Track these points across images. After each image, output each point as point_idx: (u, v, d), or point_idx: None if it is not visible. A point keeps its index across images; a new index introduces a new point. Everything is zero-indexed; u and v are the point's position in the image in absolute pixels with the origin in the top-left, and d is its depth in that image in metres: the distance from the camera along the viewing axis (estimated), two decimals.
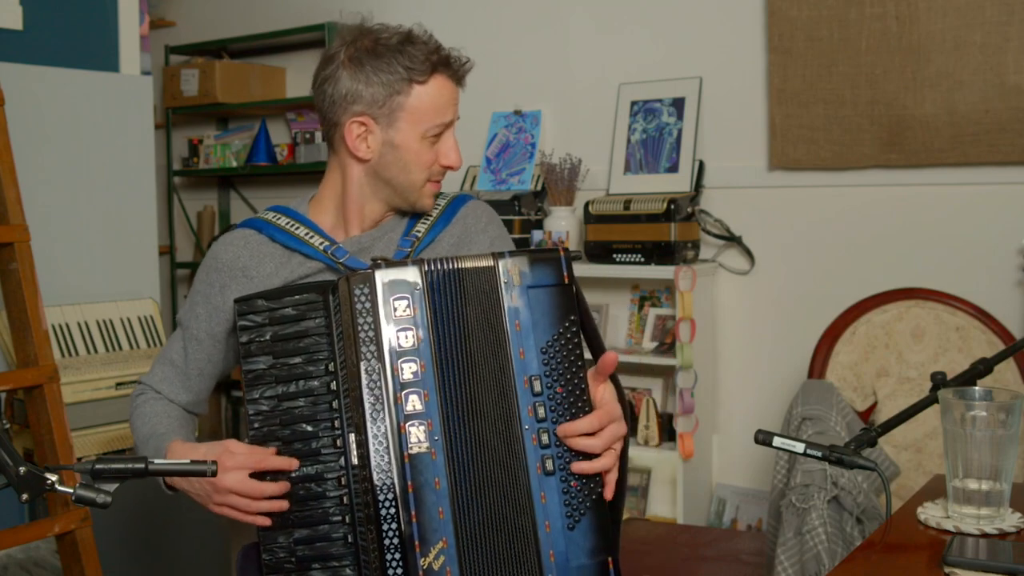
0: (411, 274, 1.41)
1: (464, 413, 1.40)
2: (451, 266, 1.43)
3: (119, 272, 2.84)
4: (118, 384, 2.59)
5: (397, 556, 1.35)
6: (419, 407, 1.37)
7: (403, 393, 1.37)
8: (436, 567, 1.35)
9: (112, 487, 1.27)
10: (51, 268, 2.58)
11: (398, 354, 1.38)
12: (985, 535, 1.37)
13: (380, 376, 1.38)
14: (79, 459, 2.40)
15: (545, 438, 1.39)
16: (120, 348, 2.74)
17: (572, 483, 1.39)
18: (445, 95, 1.58)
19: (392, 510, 1.35)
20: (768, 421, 3.08)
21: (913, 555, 1.36)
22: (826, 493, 2.21)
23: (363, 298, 1.39)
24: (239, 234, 1.65)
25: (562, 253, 1.44)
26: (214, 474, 1.30)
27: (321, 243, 1.60)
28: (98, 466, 1.26)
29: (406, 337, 1.39)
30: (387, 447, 1.36)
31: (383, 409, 1.37)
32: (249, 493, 1.43)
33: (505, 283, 1.42)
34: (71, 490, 1.24)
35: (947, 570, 1.25)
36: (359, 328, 1.39)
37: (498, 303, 1.41)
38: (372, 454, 1.36)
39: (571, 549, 1.38)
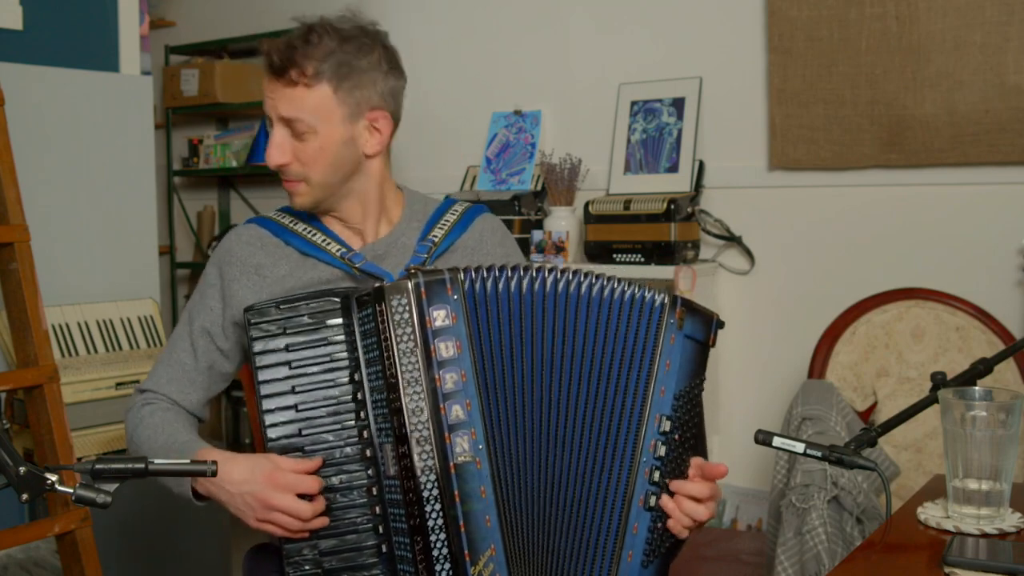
0: (448, 284, 1.40)
1: (509, 421, 1.40)
2: (492, 274, 1.41)
3: (119, 272, 2.84)
4: (118, 384, 2.59)
5: (447, 566, 1.35)
6: (462, 416, 1.37)
7: (446, 404, 1.37)
8: (486, 575, 1.36)
9: (112, 487, 1.26)
10: (51, 268, 2.58)
11: (439, 364, 1.37)
12: (985, 535, 1.37)
13: (422, 387, 1.37)
14: (79, 459, 2.40)
15: (656, 475, 1.41)
16: (120, 348, 2.74)
17: (659, 525, 1.41)
18: (263, 84, 1.58)
19: (440, 520, 1.35)
20: (768, 421, 3.08)
21: (913, 555, 1.36)
22: (826, 493, 2.21)
23: (400, 308, 1.38)
24: (255, 232, 1.64)
25: (715, 317, 1.46)
26: (214, 474, 1.29)
27: (338, 249, 1.60)
28: (98, 466, 1.26)
29: (446, 347, 1.38)
30: (431, 457, 1.36)
31: (426, 419, 1.36)
32: (299, 515, 1.41)
33: (671, 323, 1.42)
34: (71, 490, 1.24)
35: (947, 570, 1.25)
36: (398, 339, 1.37)
37: (657, 338, 1.42)
38: (416, 465, 1.36)
39: None
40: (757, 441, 1.53)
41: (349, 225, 1.65)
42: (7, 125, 2.32)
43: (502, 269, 1.42)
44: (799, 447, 1.50)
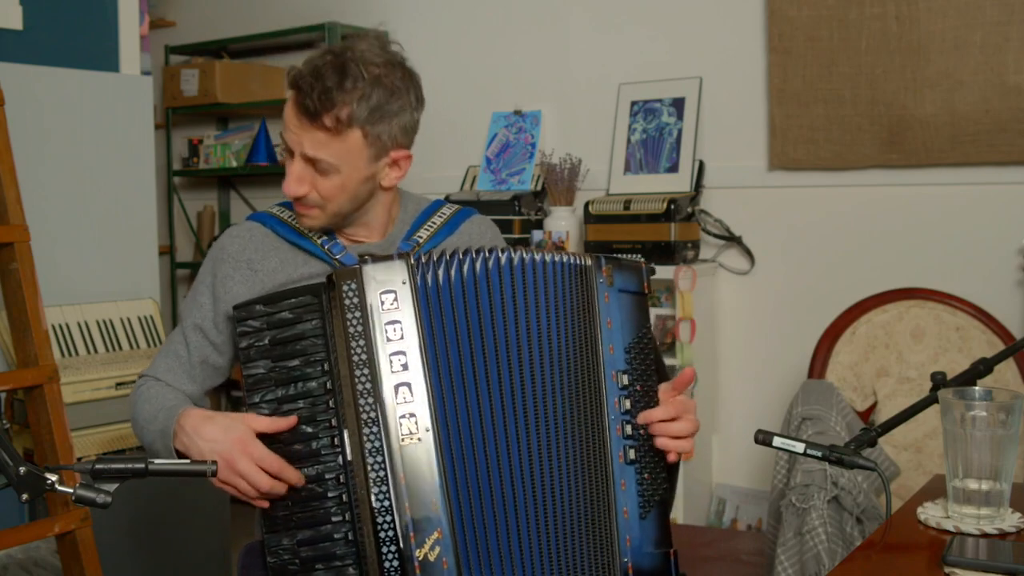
0: (398, 269, 1.43)
1: (466, 402, 1.42)
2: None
3: (119, 272, 2.84)
4: (118, 384, 2.59)
5: (393, 549, 1.37)
6: (409, 398, 1.40)
7: (393, 386, 1.40)
8: (432, 558, 1.37)
9: (112, 487, 1.27)
10: (51, 268, 2.58)
11: (386, 348, 1.40)
12: (985, 535, 1.37)
13: (370, 371, 1.40)
14: (79, 459, 2.40)
15: (629, 429, 1.45)
16: (120, 348, 2.74)
17: (646, 475, 1.45)
18: (288, 114, 1.54)
19: (386, 503, 1.37)
20: (768, 421, 3.08)
21: (913, 555, 1.36)
22: (826, 493, 2.21)
23: (351, 294, 1.42)
24: (245, 227, 1.67)
25: (643, 266, 1.50)
26: (214, 474, 1.30)
27: (320, 238, 1.62)
28: (98, 466, 1.26)
29: (394, 330, 1.41)
30: (380, 440, 1.39)
31: (374, 403, 1.39)
32: (257, 485, 1.41)
33: (600, 282, 1.47)
34: (71, 490, 1.24)
35: (947, 570, 1.25)
36: (348, 324, 1.41)
37: (593, 300, 1.46)
38: (365, 449, 1.38)
39: (643, 537, 1.44)
40: (757, 441, 1.53)
41: (354, 239, 1.66)
42: (7, 125, 2.32)
43: (453, 254, 1.46)
44: (799, 447, 1.51)
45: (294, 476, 1.43)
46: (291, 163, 1.56)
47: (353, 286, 1.42)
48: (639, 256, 3.13)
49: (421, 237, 1.66)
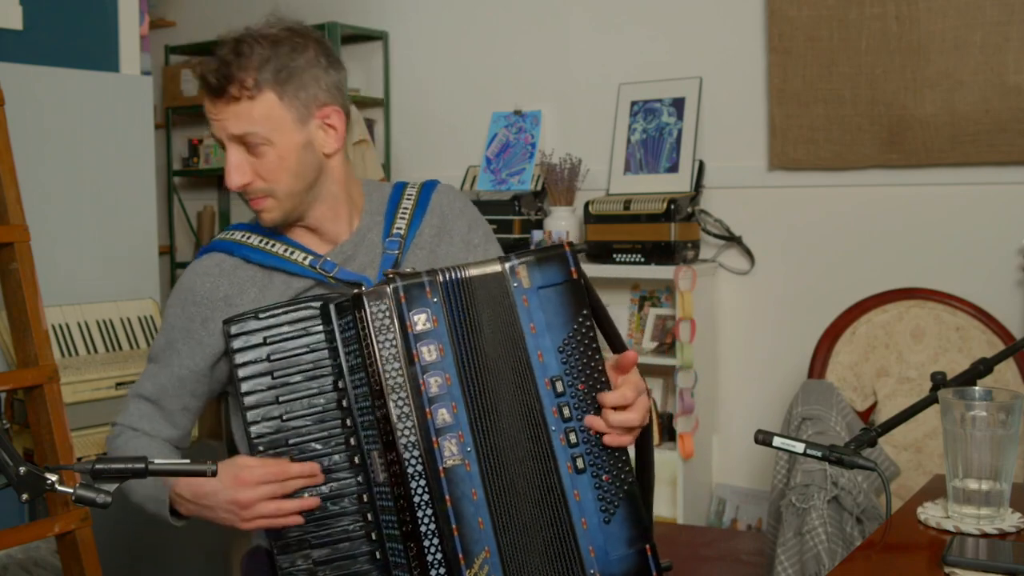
0: (427, 286, 1.39)
1: (491, 421, 1.39)
2: (461, 275, 1.41)
3: (119, 272, 2.84)
4: (118, 384, 2.59)
5: (442, 571, 1.35)
6: (449, 420, 1.37)
7: (432, 408, 1.36)
8: None
9: (112, 487, 1.26)
10: (51, 268, 2.58)
11: (423, 368, 1.37)
12: (985, 535, 1.37)
13: (407, 392, 1.36)
14: (79, 459, 2.40)
15: (573, 437, 1.40)
16: (120, 348, 2.73)
17: (604, 477, 1.40)
18: (205, 108, 1.52)
19: (433, 525, 1.34)
20: (768, 421, 3.08)
21: (913, 555, 1.36)
22: (826, 493, 2.21)
23: (380, 315, 1.37)
24: (211, 261, 1.58)
25: (567, 248, 1.43)
26: (214, 474, 1.29)
27: (305, 258, 1.55)
28: (98, 466, 1.26)
29: (429, 351, 1.37)
30: (420, 463, 1.35)
31: (413, 425, 1.36)
32: (277, 493, 1.40)
33: (515, 287, 1.41)
34: (71, 490, 1.24)
35: (947, 570, 1.25)
36: (380, 345, 1.37)
37: (512, 308, 1.41)
38: (406, 471, 1.35)
39: (610, 542, 1.40)
40: (757, 441, 1.53)
41: (319, 232, 1.59)
42: (7, 125, 2.32)
43: (467, 267, 1.41)
44: (799, 447, 1.50)
45: (307, 468, 1.40)
46: (227, 157, 1.51)
47: (384, 307, 1.37)
48: (639, 256, 3.14)
49: (400, 229, 1.60)
